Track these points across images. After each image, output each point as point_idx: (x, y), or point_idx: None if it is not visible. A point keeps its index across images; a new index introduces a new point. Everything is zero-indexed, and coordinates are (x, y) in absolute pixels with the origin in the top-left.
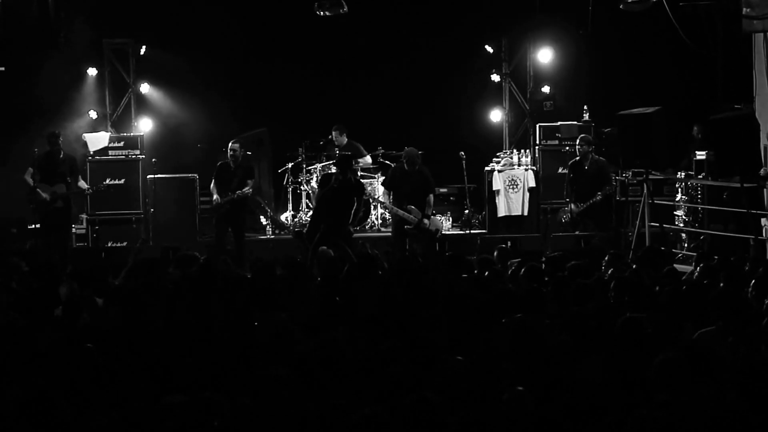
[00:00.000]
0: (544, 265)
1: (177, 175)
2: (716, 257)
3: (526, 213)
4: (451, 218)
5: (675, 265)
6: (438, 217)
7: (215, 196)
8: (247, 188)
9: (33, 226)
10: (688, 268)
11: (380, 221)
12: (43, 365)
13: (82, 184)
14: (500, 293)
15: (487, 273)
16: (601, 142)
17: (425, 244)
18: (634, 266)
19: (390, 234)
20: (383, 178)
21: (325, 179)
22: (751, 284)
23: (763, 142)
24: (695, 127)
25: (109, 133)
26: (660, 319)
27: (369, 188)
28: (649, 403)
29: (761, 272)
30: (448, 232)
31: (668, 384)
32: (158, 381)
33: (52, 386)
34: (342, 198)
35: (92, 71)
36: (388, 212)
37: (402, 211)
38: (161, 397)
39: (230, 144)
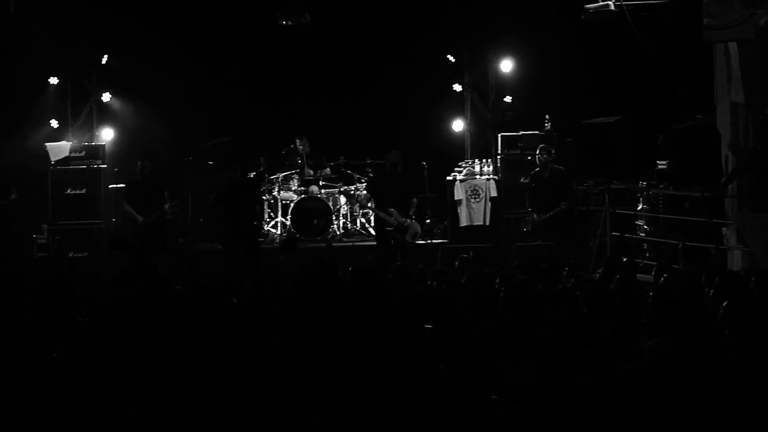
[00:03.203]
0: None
1: None
2: (675, 266)
3: (488, 223)
4: None
5: (637, 275)
6: (416, 223)
7: (139, 217)
8: (172, 203)
9: None
10: (650, 278)
11: (342, 231)
12: (8, 372)
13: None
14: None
15: (436, 283)
16: (562, 152)
17: (390, 253)
18: (595, 275)
19: (352, 244)
20: (366, 182)
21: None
22: (711, 293)
23: (724, 151)
24: (660, 136)
25: (71, 143)
26: (619, 328)
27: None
28: (610, 413)
29: (717, 281)
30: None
31: (630, 394)
32: (120, 391)
33: (14, 394)
34: (234, 197)
35: (54, 80)
36: (371, 214)
37: (382, 213)
38: (123, 407)
39: (141, 162)
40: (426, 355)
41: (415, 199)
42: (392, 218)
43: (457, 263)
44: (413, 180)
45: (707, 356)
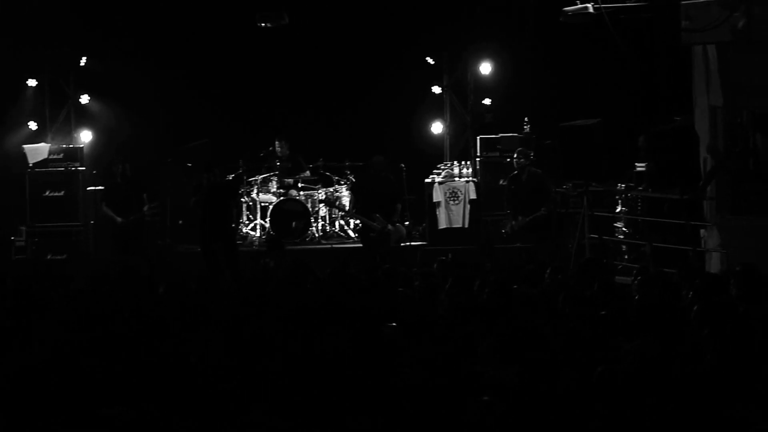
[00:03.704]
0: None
1: None
2: (653, 269)
3: (467, 225)
4: None
5: (616, 277)
6: (401, 227)
7: (117, 219)
8: (152, 205)
9: None
10: (629, 280)
11: (320, 233)
12: None
13: None
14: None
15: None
16: (541, 154)
17: (371, 256)
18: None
19: (330, 246)
20: (348, 185)
21: (197, 186)
22: (690, 296)
23: (702, 154)
24: (640, 138)
25: (49, 145)
26: (598, 330)
27: (321, 196)
28: (591, 414)
29: (696, 283)
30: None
31: (607, 396)
32: (95, 392)
33: None
34: (213, 199)
35: (32, 82)
36: (354, 219)
37: (364, 218)
38: (98, 409)
39: (121, 164)
40: (408, 356)
41: (399, 205)
42: (376, 223)
43: (435, 265)
44: (397, 184)
45: (687, 358)
